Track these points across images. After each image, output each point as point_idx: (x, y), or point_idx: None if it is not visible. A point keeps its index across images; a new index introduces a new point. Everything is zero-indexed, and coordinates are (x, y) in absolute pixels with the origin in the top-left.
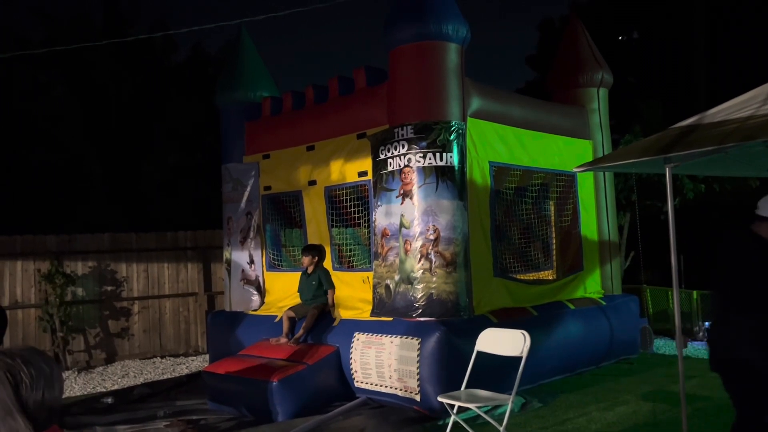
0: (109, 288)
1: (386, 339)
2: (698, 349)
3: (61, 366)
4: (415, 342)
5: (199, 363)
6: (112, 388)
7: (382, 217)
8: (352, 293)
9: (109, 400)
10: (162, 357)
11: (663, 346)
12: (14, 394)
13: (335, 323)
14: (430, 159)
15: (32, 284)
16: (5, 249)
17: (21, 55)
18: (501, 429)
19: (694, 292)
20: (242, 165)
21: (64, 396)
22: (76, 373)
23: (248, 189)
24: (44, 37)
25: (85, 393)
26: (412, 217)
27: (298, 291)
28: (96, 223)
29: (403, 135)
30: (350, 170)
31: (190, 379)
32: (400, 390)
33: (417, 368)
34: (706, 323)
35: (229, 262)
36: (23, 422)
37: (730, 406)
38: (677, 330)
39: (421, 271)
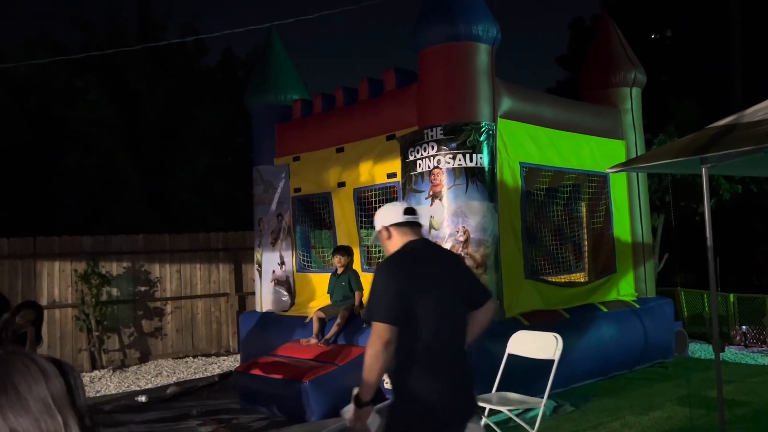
0: (142, 288)
1: None
2: (735, 353)
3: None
4: None
5: (230, 363)
6: (146, 387)
7: None
8: None
9: (143, 398)
10: (194, 357)
11: (698, 350)
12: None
13: (365, 324)
14: (459, 160)
15: (69, 284)
16: (44, 250)
17: (58, 60)
18: None
19: (731, 295)
20: (273, 167)
21: (99, 394)
22: (111, 371)
23: (279, 191)
24: (80, 43)
25: (120, 391)
26: (442, 218)
27: (328, 292)
28: (130, 224)
29: (432, 136)
30: (379, 172)
31: (222, 378)
32: None
33: None
34: (743, 327)
35: (260, 263)
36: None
37: None
38: (714, 333)
39: None
